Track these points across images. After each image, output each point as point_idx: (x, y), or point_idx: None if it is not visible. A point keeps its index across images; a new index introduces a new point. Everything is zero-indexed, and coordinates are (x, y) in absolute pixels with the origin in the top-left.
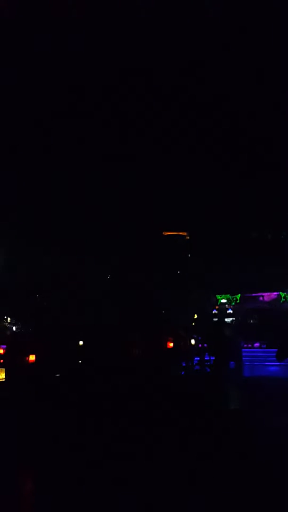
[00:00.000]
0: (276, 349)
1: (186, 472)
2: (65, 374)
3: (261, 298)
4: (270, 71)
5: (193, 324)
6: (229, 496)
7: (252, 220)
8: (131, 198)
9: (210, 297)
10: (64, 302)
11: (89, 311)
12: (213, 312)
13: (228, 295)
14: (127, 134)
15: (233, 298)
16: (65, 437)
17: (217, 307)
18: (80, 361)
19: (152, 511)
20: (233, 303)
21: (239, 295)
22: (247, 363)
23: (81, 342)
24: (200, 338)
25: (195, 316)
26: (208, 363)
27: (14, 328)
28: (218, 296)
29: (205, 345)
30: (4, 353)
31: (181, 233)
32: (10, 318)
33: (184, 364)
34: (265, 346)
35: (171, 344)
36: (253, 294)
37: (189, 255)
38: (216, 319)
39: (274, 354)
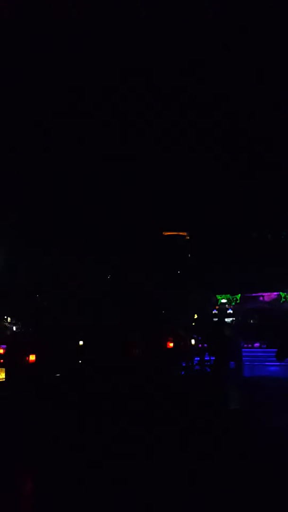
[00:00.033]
0: (276, 349)
1: (186, 472)
2: (65, 374)
3: (261, 298)
4: (270, 71)
5: (193, 324)
6: (229, 496)
7: (252, 220)
8: (131, 198)
9: (210, 297)
10: (64, 302)
11: (89, 311)
12: (213, 312)
13: (228, 295)
14: (127, 134)
15: (233, 298)
16: (65, 437)
17: (217, 307)
18: (80, 361)
19: (152, 511)
20: (233, 303)
21: (239, 295)
22: (247, 363)
23: (81, 342)
24: (200, 338)
25: (195, 316)
26: (208, 363)
27: (14, 328)
28: (218, 296)
29: (205, 345)
30: (4, 353)
31: (181, 233)
32: (10, 318)
33: (184, 364)
34: (265, 346)
35: (171, 344)
36: (253, 294)
37: (189, 255)
38: (216, 319)
39: (274, 354)
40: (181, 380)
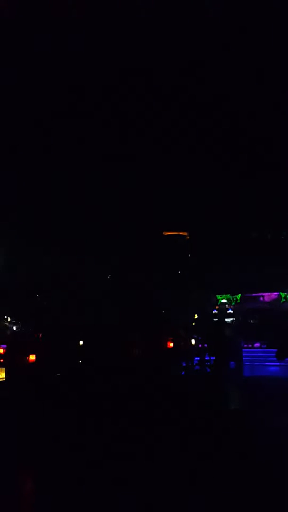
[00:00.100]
0: (276, 349)
1: (186, 472)
2: (65, 374)
3: (261, 298)
4: (270, 71)
5: (193, 324)
6: (229, 496)
7: (252, 220)
8: (131, 198)
9: (210, 297)
10: (64, 302)
11: (89, 311)
12: (213, 312)
13: (228, 295)
14: (127, 134)
15: (233, 298)
16: (65, 437)
17: (217, 307)
18: (80, 361)
19: (152, 511)
20: (233, 303)
21: (239, 295)
22: (247, 363)
23: (81, 342)
24: (200, 338)
25: (195, 316)
26: (208, 363)
27: (14, 328)
28: (218, 296)
29: (205, 345)
30: (4, 352)
31: (181, 233)
32: (10, 318)
33: (184, 364)
34: (265, 346)
35: (171, 344)
36: (253, 294)
37: (189, 255)
38: (216, 319)
39: (274, 354)
40: (181, 380)
